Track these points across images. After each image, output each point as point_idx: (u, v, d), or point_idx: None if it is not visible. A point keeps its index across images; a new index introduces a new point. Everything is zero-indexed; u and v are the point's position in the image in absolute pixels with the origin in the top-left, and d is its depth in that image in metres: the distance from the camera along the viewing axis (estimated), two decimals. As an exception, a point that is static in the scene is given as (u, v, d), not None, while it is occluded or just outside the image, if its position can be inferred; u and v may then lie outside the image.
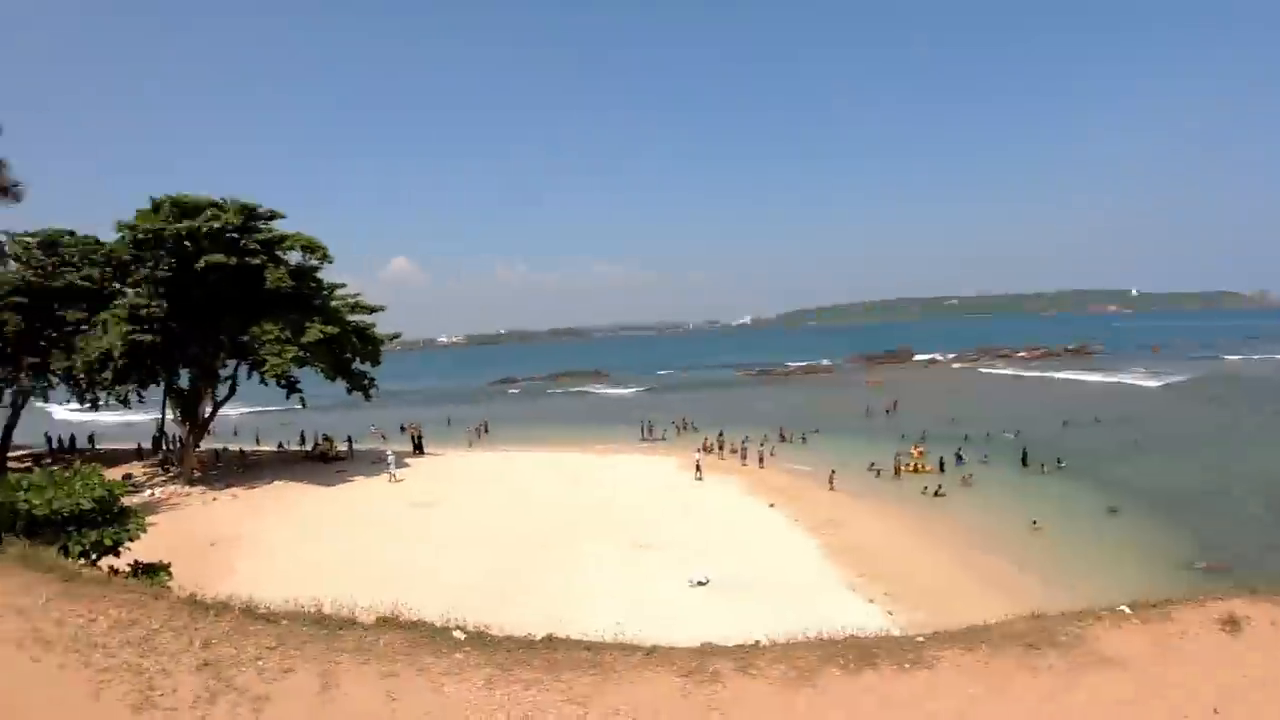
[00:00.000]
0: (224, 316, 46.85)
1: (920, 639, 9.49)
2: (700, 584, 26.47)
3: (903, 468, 48.12)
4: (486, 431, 69.69)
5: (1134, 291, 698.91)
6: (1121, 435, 58.83)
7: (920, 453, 51.59)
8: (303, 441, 63.04)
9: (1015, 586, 27.75)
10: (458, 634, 9.11)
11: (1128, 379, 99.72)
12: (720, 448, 55.81)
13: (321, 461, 54.16)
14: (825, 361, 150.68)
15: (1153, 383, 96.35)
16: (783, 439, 60.92)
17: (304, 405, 55.88)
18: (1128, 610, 10.04)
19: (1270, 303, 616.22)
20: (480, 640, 9.00)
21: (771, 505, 38.99)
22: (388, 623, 9.44)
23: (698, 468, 46.59)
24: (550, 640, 9.27)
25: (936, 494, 41.42)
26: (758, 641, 9.78)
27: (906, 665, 8.73)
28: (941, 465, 48.09)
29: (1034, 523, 35.00)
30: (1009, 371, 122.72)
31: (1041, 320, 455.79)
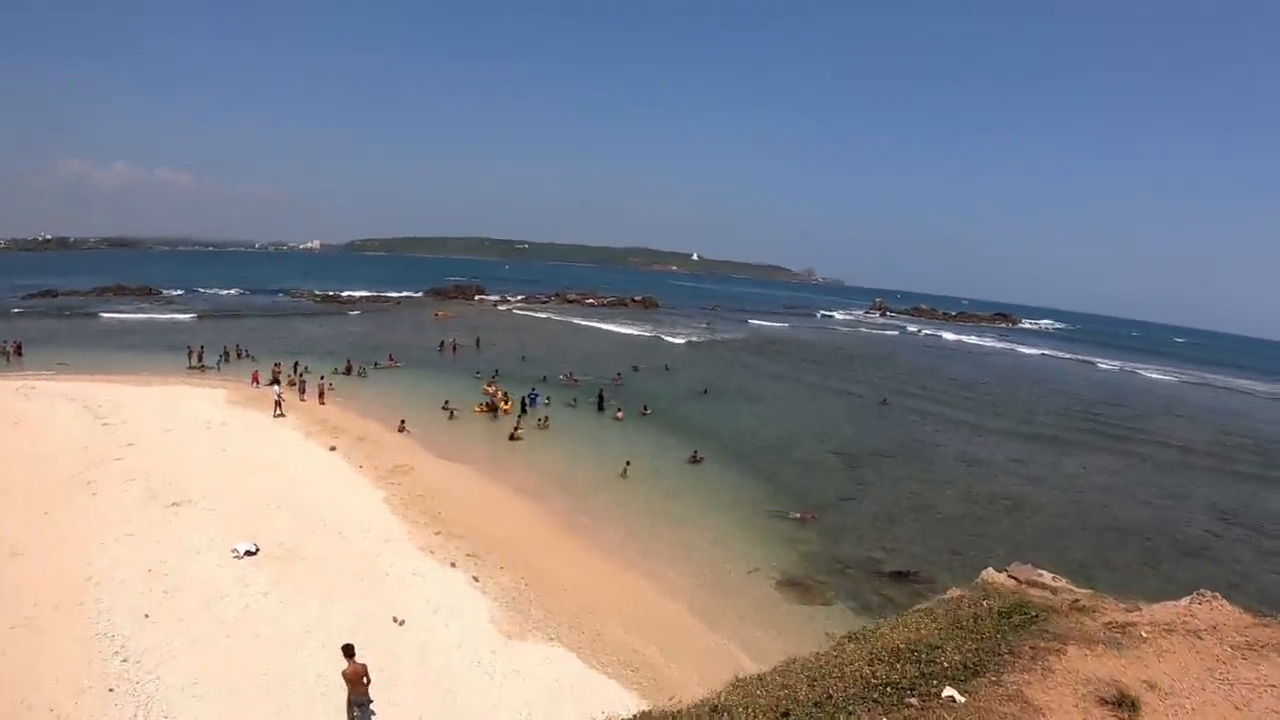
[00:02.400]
0: None
1: None
2: (249, 553, 22.54)
3: (480, 408, 46.55)
4: (20, 354, 58.15)
5: (695, 256, 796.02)
6: (687, 383, 64.00)
7: (495, 390, 50.45)
8: None
9: (606, 542, 27.03)
10: None
11: (679, 336, 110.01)
12: (276, 381, 49.21)
13: None
14: (393, 294, 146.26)
15: (702, 338, 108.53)
16: (349, 371, 56.50)
17: None
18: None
19: (816, 279, 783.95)
20: None
21: (333, 449, 35.71)
22: None
23: (278, 404, 42.29)
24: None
25: (513, 437, 40.05)
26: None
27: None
28: (524, 406, 47.03)
29: (627, 465, 35.18)
30: (578, 320, 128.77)
31: (612, 272, 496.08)
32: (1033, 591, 10.89)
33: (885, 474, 40.52)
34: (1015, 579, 11.57)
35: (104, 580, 19.96)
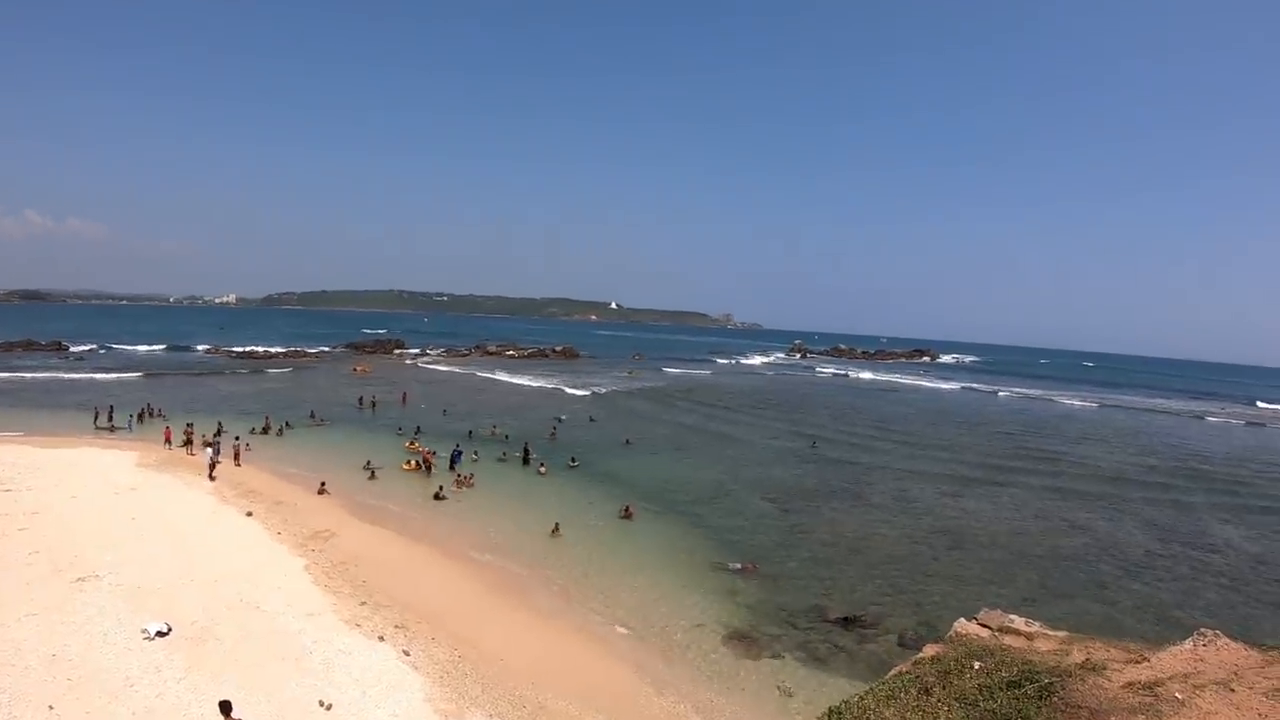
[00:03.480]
0: None
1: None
2: (160, 634, 20.50)
3: (410, 465, 45.32)
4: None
5: (614, 304, 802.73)
6: (612, 434, 63.23)
7: (416, 447, 49.22)
8: None
9: (541, 604, 26.00)
10: None
11: (601, 386, 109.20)
12: (190, 442, 46.84)
13: None
14: (312, 349, 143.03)
15: (624, 386, 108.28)
16: (266, 430, 54.50)
17: None
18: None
19: (733, 324, 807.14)
20: None
21: (250, 514, 33.79)
22: None
23: (212, 467, 40.60)
24: None
25: (438, 496, 38.69)
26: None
27: None
28: (453, 463, 45.64)
29: (557, 525, 34.06)
30: (499, 375, 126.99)
31: (530, 323, 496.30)
32: (1009, 640, 10.52)
33: (821, 517, 40.40)
34: (988, 627, 11.21)
35: (4, 668, 18.09)
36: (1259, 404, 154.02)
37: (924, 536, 37.80)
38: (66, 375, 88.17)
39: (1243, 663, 8.53)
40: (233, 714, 14.90)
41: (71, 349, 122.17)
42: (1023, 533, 39.49)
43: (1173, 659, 8.86)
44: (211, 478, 39.49)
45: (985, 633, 10.92)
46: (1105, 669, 8.54)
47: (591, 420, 70.99)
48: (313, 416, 61.90)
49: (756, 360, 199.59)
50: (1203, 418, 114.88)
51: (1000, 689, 8.25)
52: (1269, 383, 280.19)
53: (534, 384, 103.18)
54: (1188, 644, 9.25)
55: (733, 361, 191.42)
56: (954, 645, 10.45)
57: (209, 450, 42.02)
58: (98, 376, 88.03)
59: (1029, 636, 10.66)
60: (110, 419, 55.56)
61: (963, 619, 11.66)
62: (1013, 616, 11.60)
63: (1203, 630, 9.41)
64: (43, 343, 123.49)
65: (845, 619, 26.20)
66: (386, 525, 33.63)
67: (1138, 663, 8.79)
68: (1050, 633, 11.04)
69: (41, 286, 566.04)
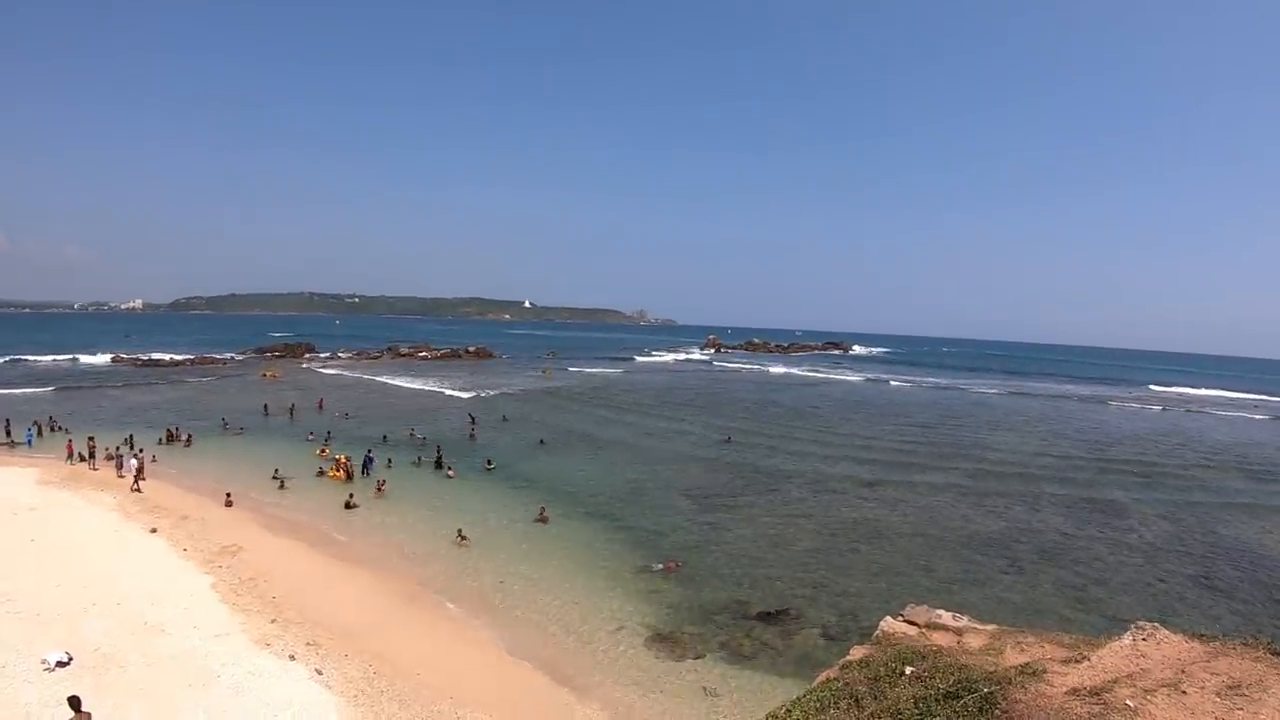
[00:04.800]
0: None
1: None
2: (60, 664, 18.93)
3: (334, 472, 44.15)
4: None
5: (527, 303, 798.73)
6: (526, 435, 62.47)
7: (327, 454, 47.94)
8: None
9: (456, 614, 25.33)
10: None
11: (514, 386, 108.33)
12: (91, 455, 44.38)
13: None
14: (220, 355, 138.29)
15: (537, 386, 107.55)
16: (172, 439, 52.51)
17: None
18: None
19: (647, 320, 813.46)
20: None
21: (154, 531, 32.22)
22: None
23: (136, 478, 39.43)
24: None
25: (349, 505, 37.48)
26: None
27: None
28: (365, 469, 44.72)
29: (460, 532, 33.03)
30: (412, 378, 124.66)
31: (444, 323, 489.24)
32: (938, 637, 10.39)
33: (739, 513, 40.48)
34: (915, 624, 11.08)
35: None
36: (1151, 387, 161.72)
37: (842, 528, 38.22)
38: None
39: (1186, 656, 8.52)
40: (82, 709, 15.35)
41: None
42: (939, 520, 40.32)
43: (1114, 657, 8.77)
44: (136, 489, 38.20)
45: (913, 630, 10.80)
46: (1045, 672, 8.35)
47: (505, 420, 70.01)
48: (225, 425, 59.63)
49: (670, 357, 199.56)
50: (1105, 402, 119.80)
51: (937, 700, 7.97)
52: (1163, 367, 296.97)
53: (446, 386, 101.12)
54: (1127, 639, 9.18)
55: (649, 357, 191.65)
56: (882, 646, 10.25)
57: (133, 463, 40.36)
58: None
59: (958, 632, 10.56)
60: (8, 433, 52.55)
61: (889, 617, 11.49)
62: (939, 611, 11.50)
63: (1140, 623, 9.39)
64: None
65: (768, 614, 26.23)
66: (297, 537, 32.38)
67: (1078, 662, 8.67)
68: (979, 626, 10.97)
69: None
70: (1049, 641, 9.75)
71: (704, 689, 20.84)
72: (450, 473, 45.61)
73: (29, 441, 51.64)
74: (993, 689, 7.98)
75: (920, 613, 11.41)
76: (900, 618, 11.35)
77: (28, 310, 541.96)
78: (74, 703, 15.54)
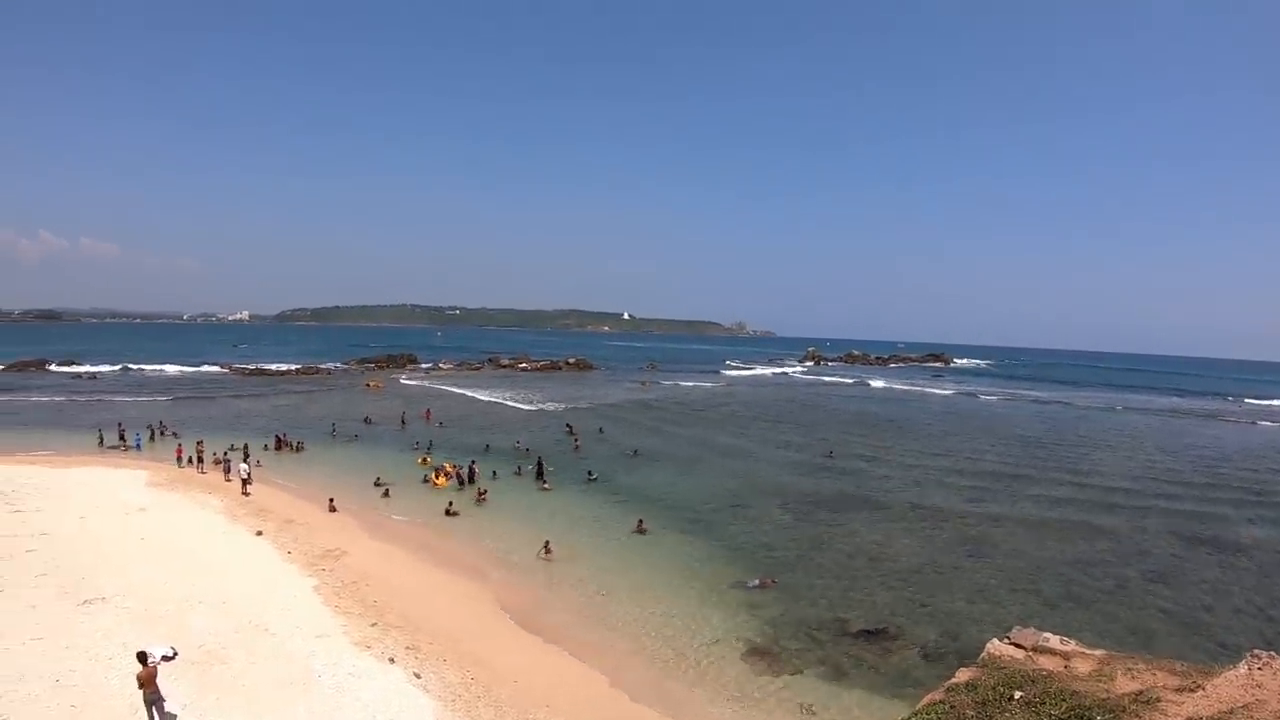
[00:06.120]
0: None
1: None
2: (165, 659, 19.56)
3: (440, 478, 45.22)
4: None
5: (626, 315, 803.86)
6: (624, 446, 62.71)
7: (428, 462, 49.05)
8: None
9: (554, 623, 25.41)
10: None
11: (615, 397, 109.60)
12: (200, 459, 46.81)
13: None
14: (325, 365, 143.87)
15: (638, 397, 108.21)
16: (279, 446, 54.67)
17: None
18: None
19: (746, 332, 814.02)
20: None
21: (259, 533, 33.38)
22: None
23: (245, 483, 41.53)
24: None
25: (449, 513, 38.22)
26: None
27: None
28: (471, 477, 45.52)
29: (545, 546, 32.48)
30: (510, 389, 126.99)
31: (543, 335, 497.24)
32: (1045, 661, 9.91)
33: (840, 528, 39.63)
34: (1021, 647, 10.58)
35: (7, 694, 17.67)
36: (1247, 401, 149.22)
37: (944, 545, 37.03)
38: (80, 396, 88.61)
39: (1308, 690, 7.86)
40: (150, 663, 16.69)
41: (85, 368, 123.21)
42: (1042, 540, 38.54)
43: (1229, 686, 8.17)
44: (245, 493, 40.15)
45: (1020, 654, 10.30)
46: (1160, 701, 7.85)
47: (601, 432, 70.38)
48: (334, 432, 62.00)
49: (770, 370, 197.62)
50: (1215, 416, 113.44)
51: (1052, 732, 7.47)
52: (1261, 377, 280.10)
53: (546, 399, 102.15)
54: (1242, 668, 8.56)
55: (747, 371, 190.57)
56: (989, 670, 9.81)
57: (243, 468, 42.42)
58: (111, 396, 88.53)
59: (1065, 657, 10.05)
60: (121, 437, 55.62)
61: (995, 639, 11.01)
62: (1047, 635, 10.96)
63: (1256, 652, 8.74)
64: (56, 362, 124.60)
65: (867, 631, 25.53)
66: (398, 543, 33.21)
67: (1191, 691, 8.12)
68: (1087, 651, 10.41)
69: (57, 306, 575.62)
70: (1160, 669, 9.18)
71: (801, 706, 20.37)
72: (546, 485, 46.04)
73: (138, 445, 54.72)
74: (1107, 718, 7.48)
75: (1027, 635, 10.89)
76: (1006, 640, 10.86)
77: (139, 320, 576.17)
78: (141, 657, 16.95)
